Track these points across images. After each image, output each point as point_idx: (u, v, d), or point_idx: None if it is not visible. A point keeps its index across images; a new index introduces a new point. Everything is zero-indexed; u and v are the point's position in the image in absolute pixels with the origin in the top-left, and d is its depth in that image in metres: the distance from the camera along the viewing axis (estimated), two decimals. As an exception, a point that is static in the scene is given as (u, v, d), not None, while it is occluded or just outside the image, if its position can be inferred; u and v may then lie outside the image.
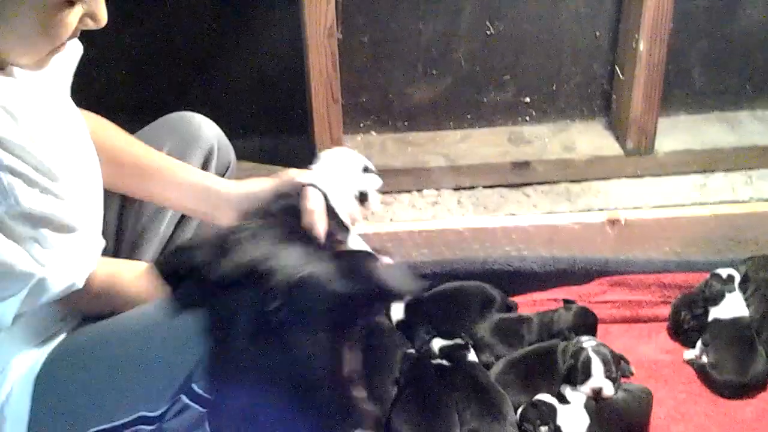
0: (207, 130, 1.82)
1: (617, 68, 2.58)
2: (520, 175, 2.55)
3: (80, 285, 1.31)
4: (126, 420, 1.33)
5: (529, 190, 2.55)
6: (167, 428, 1.33)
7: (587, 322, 2.25)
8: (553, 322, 2.24)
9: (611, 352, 2.05)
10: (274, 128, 2.70)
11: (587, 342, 2.08)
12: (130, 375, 1.34)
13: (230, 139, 2.64)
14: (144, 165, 1.61)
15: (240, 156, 2.60)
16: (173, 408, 1.31)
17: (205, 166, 1.79)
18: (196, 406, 1.31)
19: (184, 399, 1.31)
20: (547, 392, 2.06)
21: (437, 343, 2.15)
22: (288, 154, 2.62)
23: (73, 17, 1.25)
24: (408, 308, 2.25)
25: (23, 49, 1.26)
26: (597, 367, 2.01)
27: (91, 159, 1.43)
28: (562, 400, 2.02)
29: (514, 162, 2.55)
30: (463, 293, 2.30)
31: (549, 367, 2.12)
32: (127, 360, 1.34)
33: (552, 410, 1.97)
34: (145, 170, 1.60)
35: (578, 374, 2.02)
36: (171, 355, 1.31)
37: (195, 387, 1.30)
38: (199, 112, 2.53)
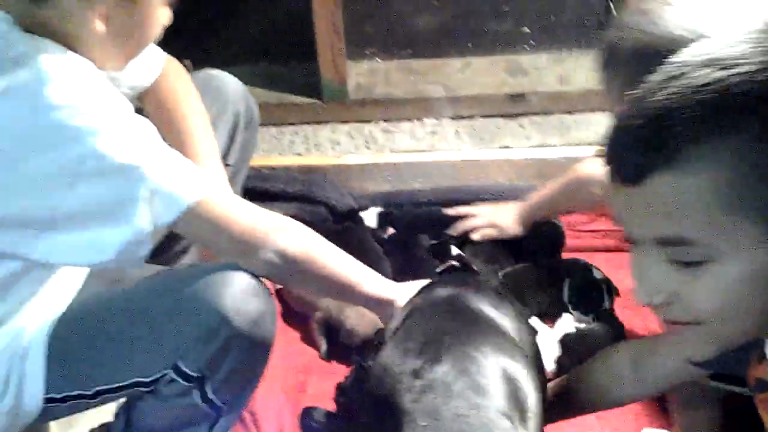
0: (234, 91, 1.90)
1: (611, 3, 2.64)
2: (515, 106, 2.66)
3: (188, 202, 1.38)
4: (125, 383, 1.46)
5: (524, 120, 2.65)
6: (162, 391, 1.46)
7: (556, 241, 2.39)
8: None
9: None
10: (281, 54, 2.80)
11: (598, 273, 2.20)
12: (127, 344, 1.45)
13: (237, 66, 2.78)
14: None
15: (247, 82, 2.74)
16: (164, 378, 1.44)
17: (234, 125, 1.89)
18: (181, 381, 1.44)
19: (171, 374, 1.43)
20: (538, 309, 2.20)
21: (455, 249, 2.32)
22: (294, 80, 2.74)
23: (164, 17, 1.43)
24: (380, 218, 2.44)
25: (117, 50, 1.42)
26: (605, 302, 2.15)
27: None
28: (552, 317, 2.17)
29: (510, 94, 2.65)
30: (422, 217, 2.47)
31: (541, 286, 2.24)
32: (126, 331, 1.45)
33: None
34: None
35: (585, 306, 2.16)
36: (162, 336, 1.43)
37: (181, 365, 1.42)
38: (205, 39, 2.66)
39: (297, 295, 2.17)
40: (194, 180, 1.42)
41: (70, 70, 1.31)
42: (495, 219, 2.30)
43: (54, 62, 1.30)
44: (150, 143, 1.38)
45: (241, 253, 1.47)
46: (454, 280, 1.82)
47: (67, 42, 1.34)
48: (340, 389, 1.91)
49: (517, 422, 1.37)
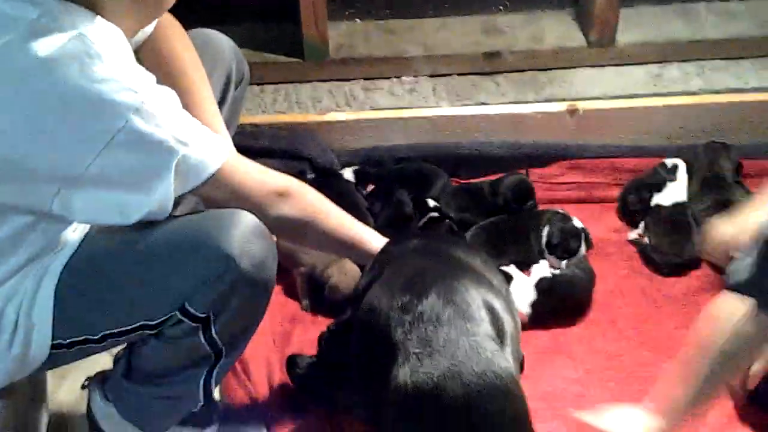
0: (226, 48, 1.95)
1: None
2: (491, 64, 2.75)
3: (212, 170, 1.48)
4: (132, 326, 1.52)
5: (499, 78, 2.75)
6: (167, 332, 1.53)
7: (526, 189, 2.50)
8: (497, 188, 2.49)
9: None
10: (264, 14, 2.87)
11: (576, 222, 2.34)
12: (135, 288, 1.50)
13: (219, 26, 2.82)
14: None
15: (231, 41, 2.82)
16: (170, 320, 1.51)
17: (226, 82, 1.94)
18: (188, 322, 1.51)
19: (178, 314, 1.50)
20: (515, 257, 2.32)
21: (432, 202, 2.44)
22: (277, 40, 2.82)
23: None
24: (356, 175, 2.55)
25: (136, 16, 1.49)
26: (582, 248, 2.29)
27: None
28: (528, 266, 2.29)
29: (486, 52, 2.74)
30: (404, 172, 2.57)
31: (519, 235, 2.38)
32: (134, 274, 1.50)
33: (507, 278, 2.17)
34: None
35: (562, 251, 2.29)
36: (169, 277, 1.49)
37: (188, 306, 1.49)
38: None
39: (280, 249, 2.26)
40: (215, 148, 1.50)
41: (112, 42, 1.38)
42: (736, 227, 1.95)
43: (98, 33, 1.36)
44: (177, 116, 1.45)
45: (253, 212, 1.55)
46: (422, 233, 1.93)
47: (93, 7, 1.40)
48: (321, 339, 2.00)
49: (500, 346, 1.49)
